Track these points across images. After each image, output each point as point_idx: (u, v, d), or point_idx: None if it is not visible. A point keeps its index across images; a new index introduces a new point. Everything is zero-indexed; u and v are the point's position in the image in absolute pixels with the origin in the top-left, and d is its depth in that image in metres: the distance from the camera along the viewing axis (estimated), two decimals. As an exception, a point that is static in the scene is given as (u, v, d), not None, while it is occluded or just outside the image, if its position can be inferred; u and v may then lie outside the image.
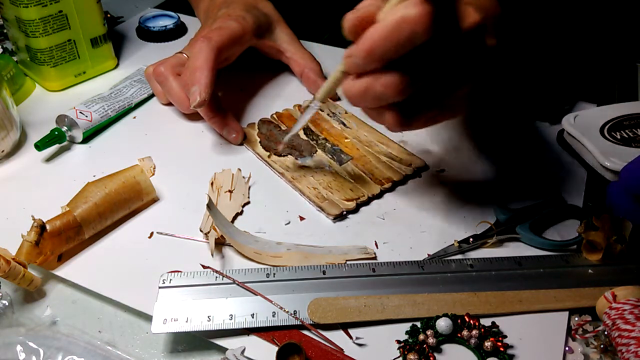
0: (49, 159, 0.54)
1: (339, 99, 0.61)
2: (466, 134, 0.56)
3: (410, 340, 0.37)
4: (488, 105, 0.55)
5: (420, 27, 0.33)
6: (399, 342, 0.37)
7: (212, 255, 0.43)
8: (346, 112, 0.59)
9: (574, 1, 0.54)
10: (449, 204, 0.49)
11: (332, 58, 0.66)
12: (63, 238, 0.42)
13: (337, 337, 0.38)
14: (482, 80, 0.40)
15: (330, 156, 0.53)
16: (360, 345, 0.38)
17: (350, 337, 0.38)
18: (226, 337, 0.38)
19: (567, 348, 0.38)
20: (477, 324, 0.38)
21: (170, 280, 0.40)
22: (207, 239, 0.44)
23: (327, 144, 0.54)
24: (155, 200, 0.49)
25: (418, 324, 0.38)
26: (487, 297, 0.40)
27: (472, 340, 0.37)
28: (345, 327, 0.39)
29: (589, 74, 0.62)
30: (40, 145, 0.52)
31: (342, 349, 0.37)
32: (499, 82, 0.49)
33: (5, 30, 0.66)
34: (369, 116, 0.41)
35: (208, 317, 0.38)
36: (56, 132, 0.53)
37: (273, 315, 0.38)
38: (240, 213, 0.48)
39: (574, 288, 0.41)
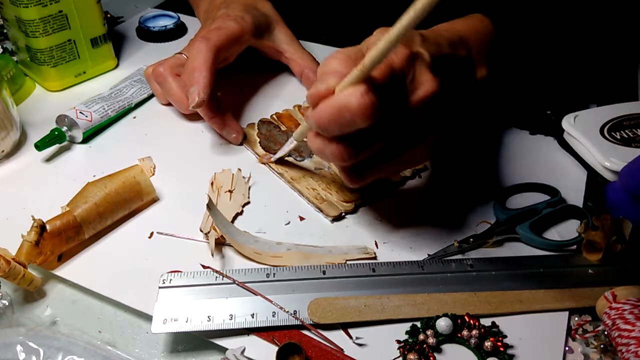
0: (49, 159, 0.54)
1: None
2: (466, 134, 0.56)
3: (410, 340, 0.37)
4: (460, 145, 0.55)
5: (360, 117, 0.33)
6: (399, 342, 0.38)
7: (212, 255, 0.43)
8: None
9: (574, 2, 0.54)
10: (449, 204, 0.49)
11: (332, 58, 0.66)
12: (63, 238, 0.42)
13: (337, 337, 0.38)
14: (450, 126, 0.41)
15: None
16: (360, 345, 0.38)
17: (350, 337, 0.38)
18: (226, 337, 0.38)
19: (567, 348, 0.38)
20: (477, 324, 0.38)
21: (170, 280, 0.40)
22: (207, 239, 0.44)
23: (327, 144, 0.54)
24: (155, 200, 0.49)
25: (418, 324, 0.38)
26: (487, 297, 0.40)
27: (472, 340, 0.37)
28: (345, 327, 0.39)
29: (589, 75, 0.62)
30: (40, 145, 0.52)
31: (342, 349, 0.37)
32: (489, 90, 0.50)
33: (5, 30, 0.66)
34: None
35: (208, 317, 0.38)
36: (56, 132, 0.53)
37: (273, 315, 0.38)
38: (240, 213, 0.48)
39: (574, 288, 0.41)
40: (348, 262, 0.43)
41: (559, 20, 0.55)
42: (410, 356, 0.36)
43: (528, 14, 0.52)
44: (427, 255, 0.44)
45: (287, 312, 0.39)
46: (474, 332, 0.37)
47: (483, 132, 0.56)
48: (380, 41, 0.31)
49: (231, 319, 0.38)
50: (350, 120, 0.34)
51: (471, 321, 0.38)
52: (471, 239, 0.44)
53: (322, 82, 0.35)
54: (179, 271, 0.41)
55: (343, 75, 0.35)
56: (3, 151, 0.52)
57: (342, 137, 0.36)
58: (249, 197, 0.49)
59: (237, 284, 0.40)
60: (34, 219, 0.41)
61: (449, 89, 0.39)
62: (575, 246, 0.44)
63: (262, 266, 0.42)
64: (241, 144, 0.55)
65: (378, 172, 0.40)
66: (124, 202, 0.45)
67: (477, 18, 0.50)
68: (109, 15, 0.77)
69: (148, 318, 0.39)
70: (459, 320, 0.38)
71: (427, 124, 0.39)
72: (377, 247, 0.45)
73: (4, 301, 0.40)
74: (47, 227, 0.41)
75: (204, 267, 0.42)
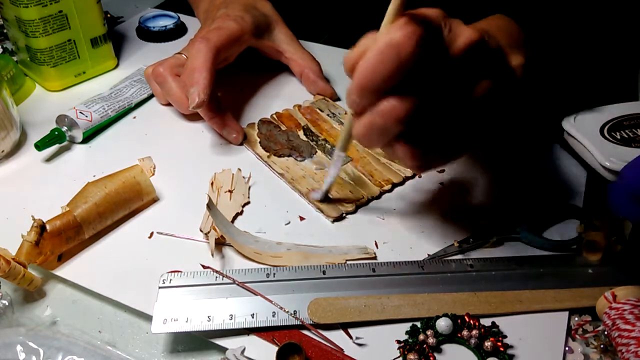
0: (49, 159, 0.54)
1: (338, 99, 0.61)
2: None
3: (410, 340, 0.37)
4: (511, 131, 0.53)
5: (405, 50, 0.32)
6: (399, 342, 0.37)
7: (212, 255, 0.43)
8: (346, 113, 0.59)
9: (576, 3, 0.54)
10: (449, 204, 0.49)
11: (331, 58, 0.66)
12: (63, 238, 0.42)
13: (337, 337, 0.38)
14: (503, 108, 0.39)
15: (330, 157, 0.53)
16: (360, 345, 0.38)
17: (350, 337, 0.38)
18: (226, 337, 0.38)
19: (567, 348, 0.38)
20: (477, 324, 0.38)
21: (170, 280, 0.40)
22: (207, 239, 0.44)
23: (326, 145, 0.54)
24: (155, 200, 0.49)
25: (418, 324, 0.38)
26: (487, 297, 0.40)
27: (472, 340, 0.37)
28: (345, 327, 0.39)
29: (589, 75, 0.62)
30: (40, 145, 0.52)
31: (342, 349, 0.37)
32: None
33: (5, 30, 0.66)
34: (388, 157, 0.40)
35: (208, 317, 0.38)
36: (56, 132, 0.53)
37: (273, 315, 0.38)
38: (240, 213, 0.48)
39: (574, 288, 0.41)
40: (348, 262, 0.43)
41: (559, 20, 0.55)
42: (410, 356, 0.36)
43: (529, 14, 0.52)
44: (427, 255, 0.44)
45: (287, 312, 0.39)
46: (474, 332, 0.37)
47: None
48: None
49: (231, 319, 0.38)
50: (396, 59, 0.32)
51: (471, 321, 0.38)
52: (471, 239, 0.44)
53: (356, 47, 0.34)
54: (179, 271, 0.41)
55: (374, 37, 0.33)
56: (3, 151, 0.52)
57: (401, 134, 0.34)
58: (249, 197, 0.49)
59: (237, 284, 0.40)
60: (34, 219, 0.41)
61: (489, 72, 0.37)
62: (575, 246, 0.44)
63: (262, 266, 0.42)
64: (241, 144, 0.55)
65: (441, 149, 0.38)
66: (124, 202, 0.45)
67: (497, 17, 0.49)
68: (109, 15, 0.77)
69: (148, 318, 0.39)
70: (459, 320, 0.38)
71: (476, 102, 0.37)
72: (377, 247, 0.45)
73: (4, 301, 0.40)
74: (47, 227, 0.41)
75: (204, 267, 0.41)
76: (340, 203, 0.48)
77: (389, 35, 0.32)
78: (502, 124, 0.53)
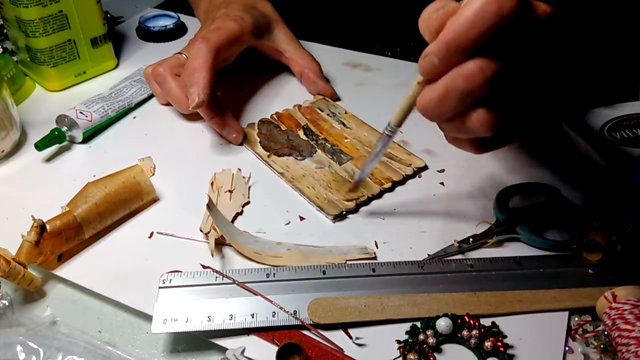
0: (49, 159, 0.54)
1: (338, 99, 0.61)
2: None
3: (410, 340, 0.37)
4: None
5: (508, 4, 0.30)
6: (399, 342, 0.37)
7: (212, 255, 0.43)
8: (346, 113, 0.59)
9: (579, 4, 0.54)
10: (449, 204, 0.49)
11: (331, 58, 0.67)
12: (63, 238, 0.42)
13: (337, 337, 0.38)
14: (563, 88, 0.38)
15: (330, 156, 0.53)
16: (360, 345, 0.38)
17: (350, 337, 0.38)
18: (226, 337, 0.38)
19: (567, 348, 0.38)
20: (477, 324, 0.38)
21: (170, 280, 0.40)
22: (207, 239, 0.44)
23: (326, 144, 0.55)
24: (155, 200, 0.49)
25: (418, 324, 0.38)
26: (487, 297, 0.40)
27: (472, 340, 0.37)
28: (345, 327, 0.39)
29: (589, 75, 0.62)
30: (40, 145, 0.52)
31: (342, 349, 0.37)
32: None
33: (5, 30, 0.66)
34: (451, 134, 0.37)
35: (208, 317, 0.38)
36: (56, 132, 0.53)
37: (273, 315, 0.38)
38: (240, 213, 0.48)
39: (574, 288, 0.41)
40: (348, 262, 0.43)
41: (559, 21, 0.55)
42: (410, 356, 0.36)
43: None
44: (427, 255, 0.44)
45: (287, 312, 0.39)
46: (474, 332, 0.37)
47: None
48: None
49: (231, 319, 0.38)
50: (499, 12, 0.30)
51: (471, 321, 0.38)
52: (471, 239, 0.44)
53: (434, 10, 0.32)
54: (179, 271, 0.41)
55: (454, 6, 0.32)
56: (3, 151, 0.53)
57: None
58: (249, 197, 0.49)
59: (237, 284, 0.40)
60: (34, 219, 0.41)
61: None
62: (575, 246, 0.44)
63: (262, 266, 0.42)
64: (241, 144, 0.55)
65: (515, 124, 0.36)
66: (124, 202, 0.45)
67: None
68: (109, 15, 0.77)
69: (148, 318, 0.39)
70: (459, 320, 0.38)
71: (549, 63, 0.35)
72: (377, 247, 0.45)
73: (4, 301, 0.40)
74: (47, 227, 0.41)
75: (204, 267, 0.42)
76: (340, 201, 0.48)
77: None
78: (560, 106, 0.51)
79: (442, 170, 0.52)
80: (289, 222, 0.47)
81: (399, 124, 0.39)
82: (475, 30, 0.31)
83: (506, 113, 0.35)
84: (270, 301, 0.39)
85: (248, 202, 0.49)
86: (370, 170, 0.46)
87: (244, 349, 0.37)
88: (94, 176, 0.50)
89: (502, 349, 0.36)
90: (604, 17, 0.56)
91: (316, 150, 0.54)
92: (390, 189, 0.50)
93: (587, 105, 0.55)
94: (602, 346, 0.38)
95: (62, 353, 0.36)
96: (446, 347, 0.38)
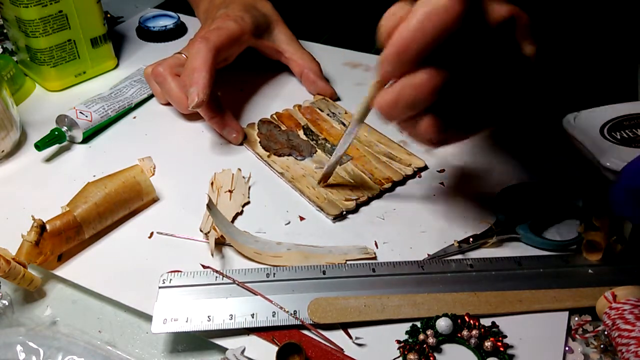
0: (49, 159, 0.54)
1: (338, 99, 0.61)
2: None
3: (410, 340, 0.37)
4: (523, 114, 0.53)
5: (452, 14, 0.31)
6: (399, 342, 0.38)
7: (212, 255, 0.43)
8: (346, 112, 0.59)
9: (575, 3, 0.54)
10: (449, 204, 0.49)
11: (331, 58, 0.67)
12: (63, 238, 0.42)
13: (337, 337, 0.38)
14: (521, 87, 0.38)
15: (329, 156, 0.53)
16: (360, 345, 0.38)
17: (350, 337, 0.38)
18: (226, 337, 0.38)
19: (567, 348, 0.38)
20: (477, 324, 0.38)
21: (170, 280, 0.40)
22: (207, 239, 0.44)
23: (326, 144, 0.55)
24: (155, 200, 0.49)
25: (418, 324, 0.38)
26: (487, 297, 0.40)
27: (472, 340, 0.37)
28: (345, 327, 0.39)
29: (589, 74, 0.62)
30: (40, 145, 0.52)
31: (342, 349, 0.37)
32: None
33: (5, 30, 0.66)
34: (407, 132, 0.39)
35: (208, 317, 0.38)
36: (56, 132, 0.53)
37: (273, 315, 0.38)
38: (240, 213, 0.48)
39: (574, 288, 0.41)
40: (348, 262, 0.43)
41: (559, 21, 0.55)
42: (410, 356, 0.36)
43: (532, 12, 0.52)
44: (427, 255, 0.44)
45: (287, 312, 0.39)
46: (474, 332, 0.37)
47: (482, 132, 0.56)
48: None
49: (231, 319, 0.38)
50: (440, 24, 0.31)
51: (471, 321, 0.38)
52: (471, 239, 0.44)
53: (390, 15, 0.33)
54: (179, 271, 0.41)
55: (408, 10, 0.33)
56: (3, 151, 0.53)
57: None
58: (249, 197, 0.49)
59: (237, 284, 0.40)
60: (34, 219, 0.41)
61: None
62: (575, 246, 0.44)
63: (262, 266, 0.42)
64: (241, 144, 0.55)
65: (464, 124, 0.37)
66: (124, 202, 0.45)
67: None
68: (109, 15, 0.77)
69: (148, 318, 0.39)
70: (459, 320, 0.38)
71: (503, 65, 0.36)
72: (377, 247, 0.45)
73: (4, 301, 0.40)
74: (47, 227, 0.41)
75: (204, 267, 0.42)
76: (340, 201, 0.48)
77: (434, 1, 0.31)
78: (520, 102, 0.53)
79: (442, 170, 0.52)
80: (289, 222, 0.47)
81: (360, 122, 0.42)
82: (420, 41, 0.32)
83: (454, 117, 0.36)
84: (270, 301, 0.39)
85: (248, 202, 0.49)
86: (334, 165, 0.48)
87: (244, 349, 0.37)
88: (94, 176, 0.50)
89: (502, 349, 0.36)
90: (598, 15, 0.56)
91: (316, 151, 0.54)
92: (390, 189, 0.50)
93: (586, 105, 0.55)
94: (602, 346, 0.38)
95: (62, 353, 0.36)
96: (446, 347, 0.38)
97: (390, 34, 0.34)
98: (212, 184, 0.50)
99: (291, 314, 0.38)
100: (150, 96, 0.61)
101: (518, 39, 0.38)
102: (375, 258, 0.44)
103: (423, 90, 0.33)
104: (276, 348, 0.37)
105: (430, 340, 0.37)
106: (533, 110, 0.57)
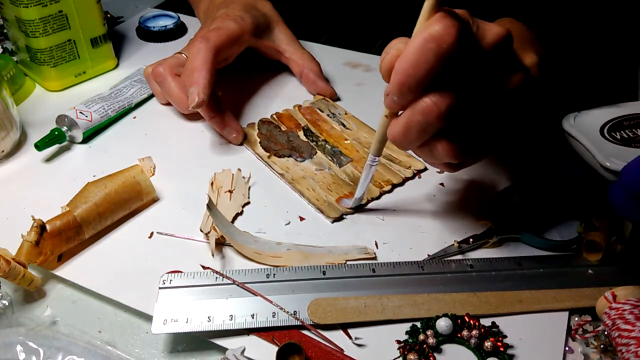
0: (49, 159, 0.54)
1: (338, 99, 0.61)
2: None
3: (410, 340, 0.37)
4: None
5: (446, 42, 0.32)
6: (399, 342, 0.38)
7: (213, 255, 0.43)
8: (346, 113, 0.59)
9: (576, 4, 0.54)
10: (448, 205, 0.49)
11: (331, 58, 0.67)
12: (63, 238, 0.42)
13: (337, 337, 0.38)
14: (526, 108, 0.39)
15: (330, 158, 0.53)
16: (360, 345, 0.38)
17: (350, 337, 0.38)
18: (226, 337, 0.38)
19: (567, 348, 0.38)
20: (477, 324, 0.38)
21: (171, 280, 0.40)
22: (207, 239, 0.44)
23: (327, 145, 0.55)
24: (155, 200, 0.49)
25: (418, 324, 0.38)
26: (487, 297, 0.40)
27: (472, 340, 0.37)
28: (345, 327, 0.39)
29: (589, 74, 0.62)
30: (40, 145, 0.52)
31: (342, 349, 0.37)
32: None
33: (5, 30, 0.66)
34: (425, 159, 0.40)
35: (208, 317, 0.38)
36: (56, 132, 0.53)
37: (273, 316, 0.38)
38: (240, 213, 0.48)
39: (574, 288, 0.41)
40: (348, 263, 0.43)
41: (560, 21, 0.55)
42: (410, 356, 0.36)
43: (532, 15, 0.52)
44: (427, 255, 0.44)
45: (287, 312, 0.39)
46: (474, 332, 0.37)
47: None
48: None
49: (231, 319, 0.38)
50: (437, 50, 0.32)
51: (471, 321, 0.38)
52: (471, 239, 0.44)
53: (390, 50, 0.34)
54: (179, 271, 0.41)
55: (407, 41, 0.34)
56: (3, 151, 0.52)
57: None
58: (249, 197, 0.49)
59: (237, 285, 0.40)
60: (34, 219, 0.41)
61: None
62: (575, 246, 0.44)
63: (262, 266, 0.42)
64: (241, 144, 0.55)
65: (480, 146, 0.38)
66: (124, 202, 0.45)
67: (507, 20, 0.49)
68: (109, 15, 0.77)
69: (148, 318, 0.39)
70: (459, 321, 0.38)
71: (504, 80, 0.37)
72: (377, 247, 0.45)
73: (4, 301, 0.40)
74: (47, 227, 0.41)
75: (204, 267, 0.42)
76: (339, 204, 0.48)
77: (428, 30, 0.33)
78: (527, 123, 0.54)
79: (442, 171, 0.52)
80: (289, 223, 0.47)
81: (378, 153, 0.42)
82: (420, 69, 0.33)
83: (469, 139, 0.37)
84: (270, 301, 0.39)
85: (248, 202, 0.49)
86: (363, 195, 0.47)
87: (244, 349, 0.37)
88: (94, 176, 0.50)
89: (502, 349, 0.36)
90: (599, 17, 0.56)
91: (316, 152, 0.54)
92: (390, 191, 0.50)
93: (586, 105, 0.55)
94: (602, 346, 0.38)
95: (62, 353, 0.36)
96: (446, 347, 0.38)
97: (391, 68, 0.35)
98: (212, 184, 0.50)
99: (291, 314, 0.38)
100: (150, 96, 0.61)
101: (517, 53, 0.38)
102: (375, 258, 0.44)
103: (431, 114, 0.34)
104: (276, 348, 0.37)
105: (430, 340, 0.37)
106: (539, 125, 0.57)
